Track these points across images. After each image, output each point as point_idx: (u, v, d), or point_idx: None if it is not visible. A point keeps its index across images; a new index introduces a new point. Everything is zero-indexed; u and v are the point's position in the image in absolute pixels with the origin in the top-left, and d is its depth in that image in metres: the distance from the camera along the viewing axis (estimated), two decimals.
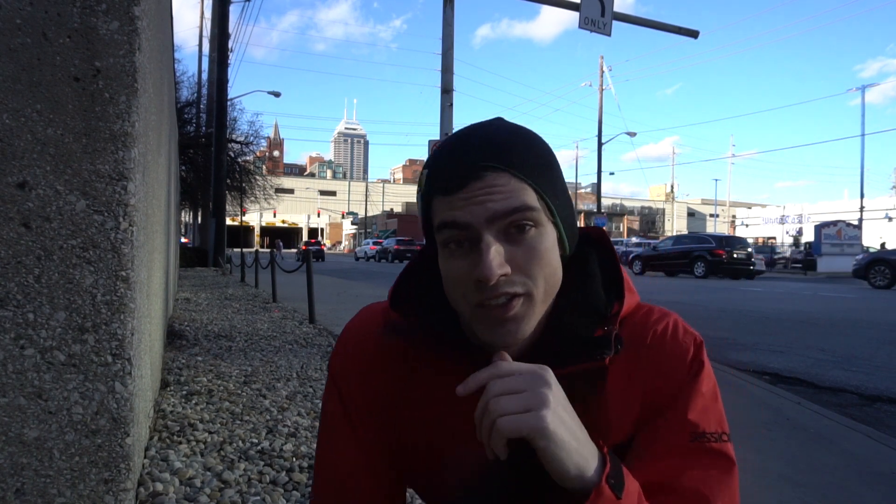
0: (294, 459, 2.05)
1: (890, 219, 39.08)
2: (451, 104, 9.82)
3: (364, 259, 36.12)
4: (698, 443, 0.65)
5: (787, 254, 32.51)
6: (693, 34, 12.28)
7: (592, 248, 0.75)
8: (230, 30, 16.09)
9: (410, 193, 77.79)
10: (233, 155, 21.06)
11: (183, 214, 23.45)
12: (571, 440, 0.56)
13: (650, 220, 72.72)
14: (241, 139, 22.32)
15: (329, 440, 0.78)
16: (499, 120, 0.68)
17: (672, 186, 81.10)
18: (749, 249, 19.22)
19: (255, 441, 2.22)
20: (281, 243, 38.23)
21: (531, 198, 0.62)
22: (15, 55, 1.16)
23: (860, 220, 30.32)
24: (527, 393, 0.56)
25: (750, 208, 57.75)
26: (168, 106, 3.41)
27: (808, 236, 31.56)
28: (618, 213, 68.00)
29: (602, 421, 0.67)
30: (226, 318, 5.75)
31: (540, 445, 0.55)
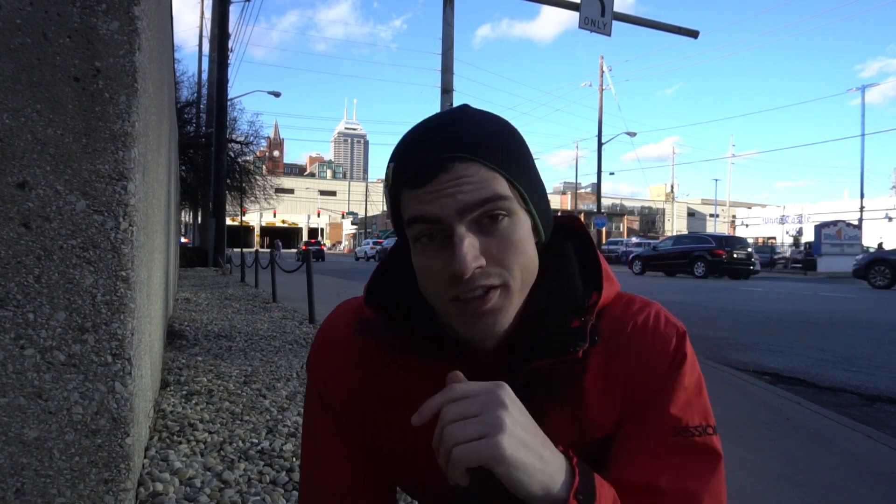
0: (294, 459, 2.05)
1: (890, 219, 39.08)
2: (452, 104, 9.82)
3: (364, 259, 36.12)
4: (682, 437, 0.63)
5: (787, 254, 32.51)
6: (693, 34, 12.28)
7: (568, 236, 0.73)
8: (230, 30, 16.10)
9: None
10: (233, 155, 21.06)
11: (183, 214, 23.45)
12: (534, 461, 0.54)
13: (650, 220, 72.73)
14: (241, 139, 22.32)
15: (312, 440, 0.77)
16: (464, 107, 0.65)
17: (672, 186, 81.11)
18: (749, 249, 19.23)
19: (255, 441, 2.22)
20: (280, 243, 38.20)
21: (502, 187, 0.60)
22: (15, 55, 1.16)
23: (860, 220, 30.32)
24: (481, 417, 0.54)
25: (750, 208, 57.74)
26: (168, 106, 3.41)
27: (808, 236, 31.56)
28: (618, 213, 68.00)
29: (582, 415, 0.66)
30: (226, 318, 5.75)
31: (499, 472, 0.53)
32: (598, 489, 0.56)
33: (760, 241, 43.69)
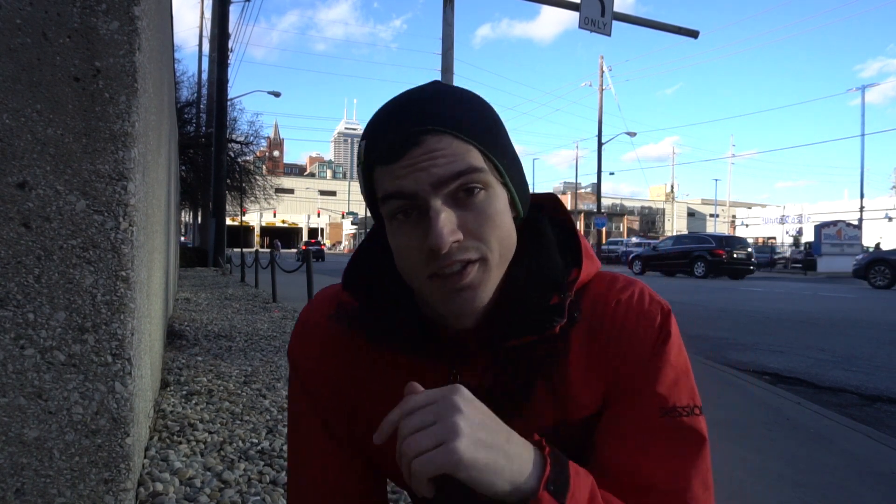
0: None
1: (890, 219, 39.08)
2: None
3: None
4: (669, 418, 0.62)
5: (787, 254, 32.51)
6: (693, 34, 12.28)
7: (547, 214, 0.72)
8: (230, 30, 16.10)
9: None
10: (233, 155, 21.06)
11: (183, 214, 23.45)
12: (496, 458, 0.53)
13: (650, 220, 72.73)
14: (241, 139, 22.33)
15: (298, 431, 0.75)
16: (436, 83, 0.64)
17: (672, 186, 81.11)
18: (749, 249, 19.25)
19: (255, 441, 2.22)
20: (279, 243, 38.19)
21: (477, 159, 0.59)
22: (15, 55, 1.16)
23: (860, 220, 30.32)
24: (436, 425, 0.52)
25: (750, 208, 57.77)
26: (168, 106, 3.41)
27: (808, 236, 31.57)
28: (618, 213, 68.00)
29: (565, 393, 0.65)
30: (226, 318, 5.75)
31: (462, 477, 0.52)
32: (573, 478, 0.55)
33: (760, 241, 43.71)
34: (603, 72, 33.87)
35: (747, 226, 49.80)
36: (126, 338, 1.26)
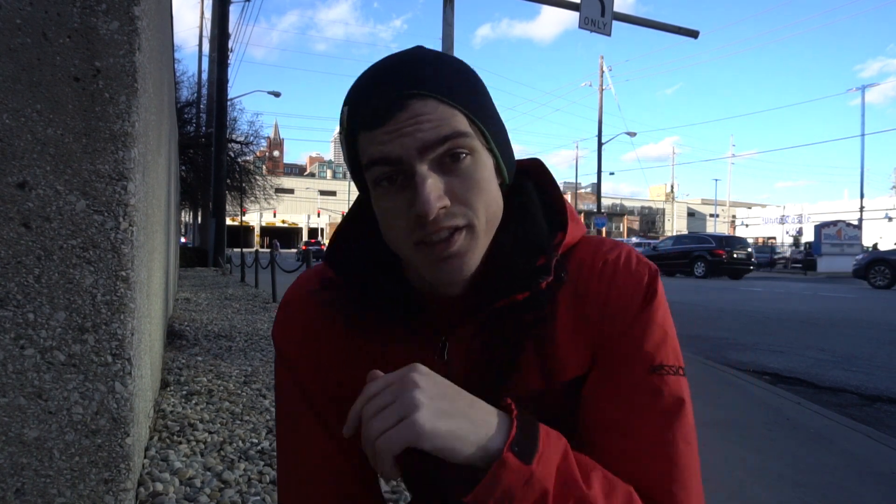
0: None
1: (890, 219, 39.09)
2: None
3: None
4: (656, 376, 0.62)
5: (787, 254, 32.52)
6: (693, 34, 12.28)
7: (532, 179, 0.71)
8: (230, 30, 16.10)
9: None
10: (233, 155, 21.06)
11: (183, 214, 23.45)
12: (460, 425, 0.53)
13: (650, 220, 72.73)
14: (241, 139, 22.34)
15: (285, 418, 0.74)
16: (419, 47, 0.63)
17: (672, 186, 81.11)
18: (749, 249, 19.27)
19: (255, 441, 2.22)
20: (278, 243, 38.18)
21: (462, 123, 0.58)
22: (15, 55, 1.16)
23: (860, 220, 30.33)
24: (395, 403, 0.53)
25: (750, 208, 57.79)
26: (168, 106, 3.41)
27: (808, 236, 31.58)
28: (618, 213, 68.02)
29: (552, 356, 0.65)
30: (226, 318, 5.75)
31: (427, 448, 0.52)
32: (543, 440, 0.55)
33: (760, 241, 43.74)
34: (603, 72, 33.88)
35: (747, 226, 49.82)
36: (126, 338, 1.26)
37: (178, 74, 12.73)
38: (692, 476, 0.61)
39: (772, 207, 50.48)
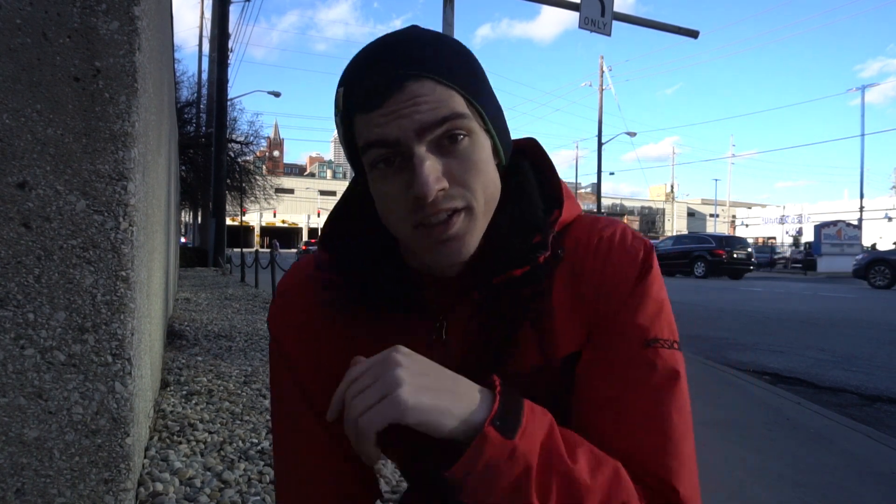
0: None
1: (890, 219, 39.09)
2: None
3: None
4: (651, 349, 0.62)
5: (787, 254, 32.53)
6: (693, 34, 12.27)
7: (527, 159, 0.71)
8: (230, 30, 16.10)
9: None
10: (233, 155, 21.06)
11: (183, 214, 23.46)
12: (443, 399, 0.53)
13: (650, 220, 72.72)
14: (241, 139, 22.33)
15: (281, 410, 0.73)
16: (414, 27, 0.62)
17: (672, 186, 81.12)
18: (749, 249, 19.28)
19: (255, 441, 2.22)
20: (278, 243, 38.17)
21: (460, 105, 0.57)
22: (15, 55, 1.16)
23: (860, 220, 30.34)
24: (377, 383, 0.53)
25: (750, 208, 57.79)
26: (168, 106, 3.41)
27: (808, 236, 31.58)
28: (618, 213, 68.00)
29: (549, 334, 0.65)
30: (226, 318, 5.75)
31: (411, 422, 0.52)
32: (527, 416, 0.55)
33: (760, 241, 43.75)
34: (603, 72, 33.88)
35: (747, 226, 49.83)
36: (126, 338, 1.26)
37: (178, 74, 12.73)
38: (686, 448, 0.60)
39: (772, 207, 50.49)
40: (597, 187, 34.06)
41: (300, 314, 0.73)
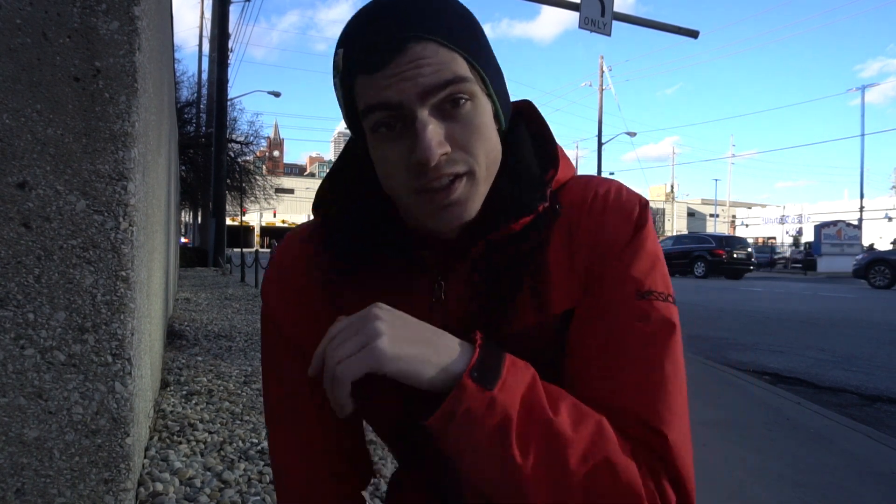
0: None
1: (890, 219, 39.08)
2: None
3: None
4: (645, 301, 0.61)
5: (787, 254, 32.54)
6: (693, 34, 12.28)
7: (523, 121, 0.70)
8: (230, 30, 16.10)
9: None
10: (233, 155, 21.06)
11: (183, 214, 23.46)
12: (422, 349, 0.54)
13: None
14: (241, 139, 22.33)
15: (275, 381, 0.72)
16: None
17: (672, 186, 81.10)
18: (749, 249, 19.29)
19: (255, 441, 2.22)
20: (276, 243, 38.14)
21: (463, 68, 0.56)
22: (15, 55, 1.16)
23: (860, 220, 30.34)
24: (357, 335, 0.54)
25: (750, 208, 57.79)
26: (168, 106, 3.41)
27: (808, 236, 31.58)
28: None
29: (545, 292, 0.64)
30: (226, 318, 5.75)
31: (390, 371, 0.53)
32: (507, 368, 0.55)
33: (760, 241, 43.76)
34: (603, 72, 33.89)
35: (747, 226, 49.83)
36: (126, 338, 1.26)
37: (178, 74, 12.72)
38: (678, 399, 0.59)
39: (772, 207, 50.49)
40: None
41: (294, 280, 0.72)
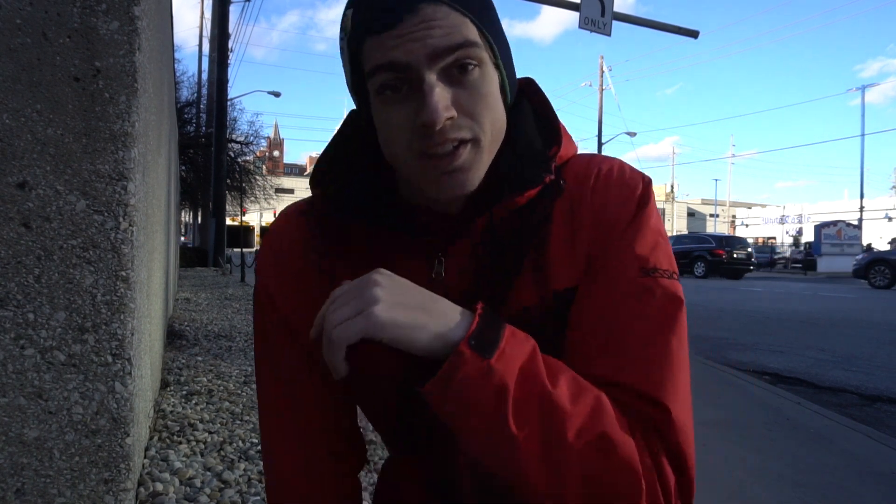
0: None
1: (890, 219, 39.08)
2: None
3: None
4: (650, 278, 0.61)
5: (787, 254, 32.54)
6: (693, 34, 12.28)
7: (524, 96, 0.70)
8: (230, 30, 16.09)
9: None
10: (233, 155, 21.05)
11: (183, 214, 23.46)
12: (418, 315, 0.53)
13: None
14: (241, 139, 22.33)
15: (288, 384, 0.71)
16: None
17: (672, 186, 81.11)
18: (749, 249, 19.30)
19: (255, 441, 2.22)
20: None
21: (472, 33, 0.56)
22: (15, 55, 1.16)
23: (860, 220, 30.35)
24: (355, 300, 0.53)
25: (750, 208, 57.80)
26: (168, 106, 3.41)
27: (808, 236, 31.59)
28: None
29: (547, 269, 0.64)
30: (226, 318, 5.75)
31: (385, 337, 0.52)
32: (507, 338, 0.54)
33: (760, 241, 43.76)
34: (603, 72, 33.90)
35: (747, 226, 49.83)
36: (126, 338, 1.26)
37: (178, 74, 12.73)
38: (682, 376, 0.59)
39: (772, 207, 50.49)
40: None
41: (289, 254, 0.71)
